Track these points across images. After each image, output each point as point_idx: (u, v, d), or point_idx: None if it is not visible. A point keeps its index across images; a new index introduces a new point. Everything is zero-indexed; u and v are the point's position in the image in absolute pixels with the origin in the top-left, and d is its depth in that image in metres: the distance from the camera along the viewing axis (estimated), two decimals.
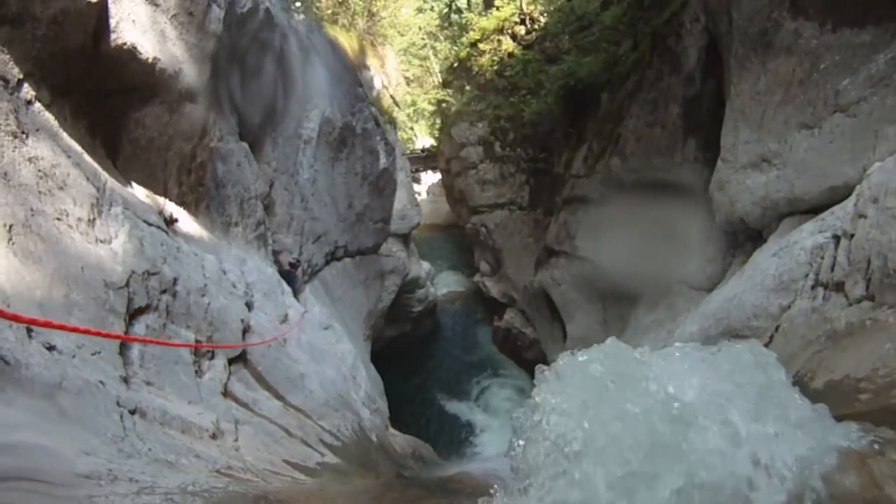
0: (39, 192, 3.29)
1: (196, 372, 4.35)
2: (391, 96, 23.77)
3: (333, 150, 12.15)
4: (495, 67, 18.36)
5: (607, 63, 11.95)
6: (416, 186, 27.62)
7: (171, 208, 5.87)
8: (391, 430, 9.76)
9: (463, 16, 24.59)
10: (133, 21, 4.60)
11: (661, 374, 2.46)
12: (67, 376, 2.68)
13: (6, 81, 3.39)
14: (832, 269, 4.16)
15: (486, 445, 13.67)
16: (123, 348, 3.54)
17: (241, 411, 4.66)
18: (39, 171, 3.36)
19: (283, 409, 5.46)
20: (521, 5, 18.68)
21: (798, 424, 2.18)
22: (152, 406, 3.36)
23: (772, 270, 4.97)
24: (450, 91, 21.00)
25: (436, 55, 30.09)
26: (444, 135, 21.07)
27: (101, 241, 3.80)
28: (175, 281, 4.57)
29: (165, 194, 5.91)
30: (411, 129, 30.57)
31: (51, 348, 2.77)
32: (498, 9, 19.07)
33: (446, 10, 27.25)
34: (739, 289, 5.54)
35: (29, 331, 2.66)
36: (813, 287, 4.37)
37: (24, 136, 3.34)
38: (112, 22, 4.37)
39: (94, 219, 3.82)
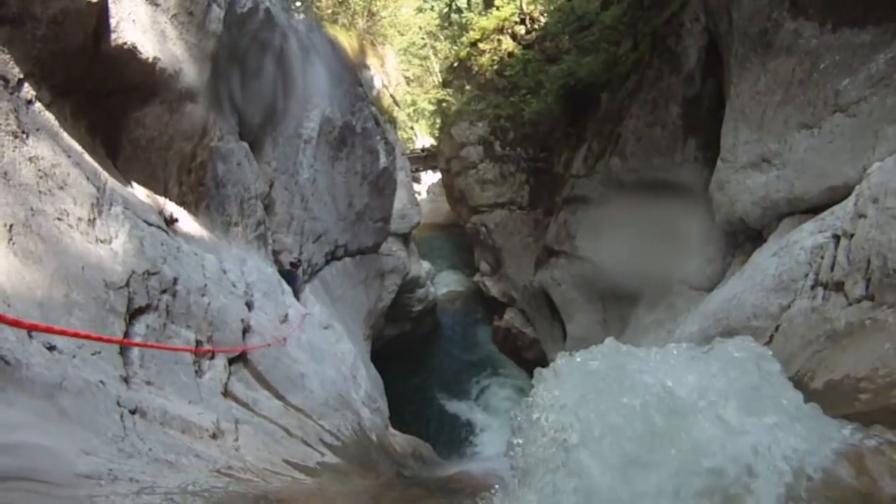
0: (40, 191, 3.29)
1: (196, 372, 4.35)
2: (391, 96, 23.74)
3: (333, 149, 12.14)
4: (495, 67, 18.37)
5: (607, 63, 11.94)
6: (416, 186, 27.65)
7: (172, 208, 5.87)
8: (391, 429, 9.76)
9: (463, 15, 24.64)
10: (133, 21, 4.61)
11: (658, 370, 2.47)
12: (68, 376, 2.68)
13: (6, 81, 3.39)
14: (832, 268, 4.16)
15: (486, 445, 13.68)
16: (124, 348, 3.54)
17: (242, 411, 4.66)
18: (40, 170, 3.36)
19: (284, 408, 5.46)
20: (521, 5, 18.68)
21: (796, 417, 2.19)
22: (152, 406, 3.36)
23: (772, 270, 4.98)
24: (450, 91, 21.03)
25: (436, 55, 30.10)
26: (444, 134, 21.09)
27: (102, 241, 3.81)
28: (175, 281, 4.58)
29: (165, 194, 5.91)
30: (411, 128, 30.60)
31: (51, 348, 2.77)
32: (498, 8, 19.08)
33: (446, 10, 27.27)
34: (739, 289, 5.55)
35: (29, 331, 2.66)
36: (813, 287, 4.37)
37: (25, 135, 3.34)
38: (112, 22, 4.37)
39: (95, 218, 3.82)
